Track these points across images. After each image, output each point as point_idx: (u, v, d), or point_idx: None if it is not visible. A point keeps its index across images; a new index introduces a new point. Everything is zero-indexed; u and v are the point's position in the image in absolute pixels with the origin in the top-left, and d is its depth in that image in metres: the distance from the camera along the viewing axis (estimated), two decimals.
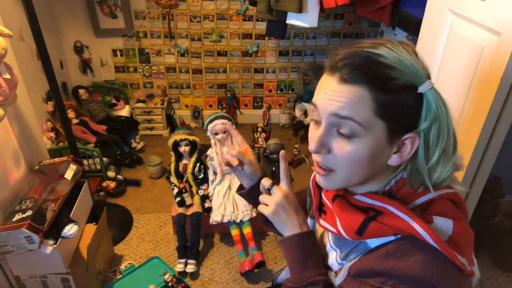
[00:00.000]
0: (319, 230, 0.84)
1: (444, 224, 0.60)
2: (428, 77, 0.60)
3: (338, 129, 0.61)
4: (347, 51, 0.60)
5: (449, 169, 0.62)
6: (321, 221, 0.76)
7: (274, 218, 0.76)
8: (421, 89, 0.58)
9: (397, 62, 0.58)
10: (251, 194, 0.89)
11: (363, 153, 0.60)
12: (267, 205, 0.77)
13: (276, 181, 0.80)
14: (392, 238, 0.62)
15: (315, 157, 0.66)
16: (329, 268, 0.77)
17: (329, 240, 0.78)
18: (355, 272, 0.65)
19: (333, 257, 0.75)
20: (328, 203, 0.73)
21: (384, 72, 0.57)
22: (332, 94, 0.60)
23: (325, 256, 0.79)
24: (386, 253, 0.61)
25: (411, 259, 0.58)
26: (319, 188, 0.78)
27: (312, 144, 0.63)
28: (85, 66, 2.90)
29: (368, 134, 0.59)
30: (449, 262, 0.58)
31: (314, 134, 0.64)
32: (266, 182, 0.79)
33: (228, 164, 0.85)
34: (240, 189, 0.93)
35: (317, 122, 0.65)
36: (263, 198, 0.78)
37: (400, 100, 0.58)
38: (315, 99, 0.64)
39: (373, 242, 0.65)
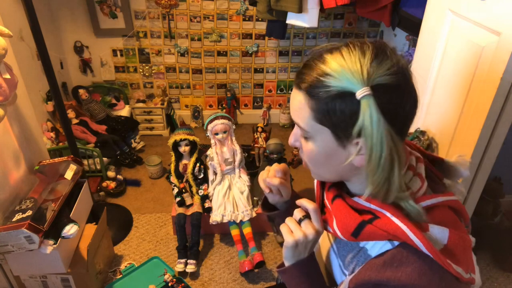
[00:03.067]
0: (322, 237, 0.84)
1: (440, 233, 0.60)
2: (370, 84, 0.55)
3: None
4: (306, 59, 0.64)
5: (380, 188, 0.59)
6: None
7: (291, 249, 0.72)
8: (357, 96, 0.55)
9: (334, 69, 0.57)
10: (273, 218, 0.88)
11: (317, 153, 0.64)
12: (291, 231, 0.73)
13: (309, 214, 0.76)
14: (389, 246, 0.62)
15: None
16: (333, 279, 0.76)
17: (332, 246, 0.78)
18: (355, 285, 0.65)
19: (337, 266, 0.75)
20: (328, 204, 0.73)
21: (318, 79, 0.58)
22: (291, 99, 0.65)
23: (328, 266, 0.79)
24: (384, 263, 0.61)
25: (408, 268, 0.58)
26: (322, 189, 0.79)
27: (289, 139, 0.71)
28: (85, 66, 2.90)
29: (316, 136, 0.63)
30: (446, 271, 0.58)
31: None
32: (299, 213, 0.74)
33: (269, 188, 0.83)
34: (265, 205, 0.91)
35: None
36: (291, 223, 0.73)
37: (334, 107, 0.57)
38: None
39: (372, 251, 0.65)
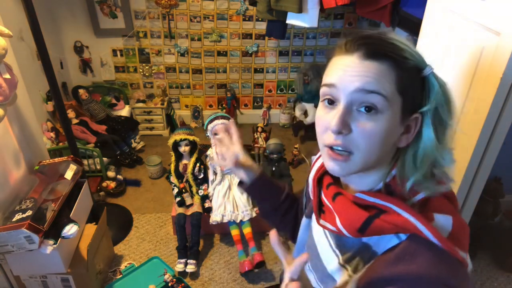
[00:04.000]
0: (317, 234, 0.83)
1: (445, 221, 0.61)
2: None
3: (358, 107, 0.61)
4: (360, 34, 0.64)
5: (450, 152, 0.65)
6: (321, 221, 0.75)
7: None
8: (425, 72, 0.62)
9: (405, 46, 0.63)
10: (251, 191, 0.92)
11: (382, 130, 0.61)
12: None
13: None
14: (396, 240, 0.62)
15: (332, 140, 0.62)
16: (330, 277, 0.76)
17: (330, 243, 0.78)
18: (364, 284, 0.64)
19: (335, 262, 0.75)
20: (327, 202, 0.73)
21: (399, 52, 0.61)
22: (355, 70, 0.60)
23: (325, 262, 0.78)
24: (396, 258, 0.60)
25: (421, 259, 0.58)
26: (319, 187, 0.78)
27: (333, 124, 0.61)
28: (85, 66, 2.90)
29: (389, 109, 0.61)
30: (453, 257, 0.59)
31: (329, 116, 0.63)
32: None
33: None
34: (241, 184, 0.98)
35: (332, 103, 0.64)
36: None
37: (412, 79, 0.62)
38: (330, 79, 0.63)
39: (378, 247, 0.65)
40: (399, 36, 0.64)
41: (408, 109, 0.63)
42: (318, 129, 0.66)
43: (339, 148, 0.62)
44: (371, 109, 0.60)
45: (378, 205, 0.64)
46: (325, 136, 0.64)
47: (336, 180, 0.75)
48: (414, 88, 0.62)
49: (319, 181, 0.78)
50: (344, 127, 0.61)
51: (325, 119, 0.64)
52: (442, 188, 0.64)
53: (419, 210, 0.63)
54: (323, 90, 0.65)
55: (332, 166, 0.65)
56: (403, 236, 0.62)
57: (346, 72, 0.61)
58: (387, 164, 0.67)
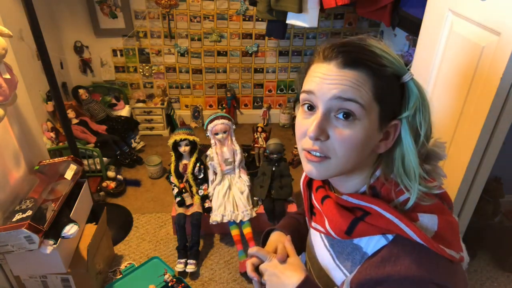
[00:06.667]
0: (313, 233, 0.84)
1: (430, 220, 0.61)
2: None
3: (335, 114, 0.61)
4: (338, 42, 0.63)
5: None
6: (313, 223, 0.76)
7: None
8: (405, 78, 0.62)
9: (384, 53, 0.62)
10: None
11: (359, 137, 0.61)
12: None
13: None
14: (384, 241, 0.63)
15: (310, 145, 0.63)
16: (326, 275, 0.76)
17: (324, 242, 0.79)
18: (356, 285, 0.65)
19: (329, 260, 0.75)
20: (317, 205, 0.74)
21: (378, 60, 0.61)
22: (332, 78, 0.61)
23: (322, 262, 0.79)
24: (382, 260, 0.61)
25: (406, 260, 0.59)
26: (309, 190, 0.79)
27: (310, 131, 0.61)
28: (85, 66, 2.90)
29: (366, 117, 0.61)
30: (440, 256, 0.59)
31: (308, 122, 0.63)
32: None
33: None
34: None
35: (310, 110, 0.64)
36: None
37: (390, 87, 0.61)
38: (309, 86, 0.63)
39: (368, 248, 0.65)
40: (378, 42, 0.63)
41: (387, 116, 0.62)
42: (297, 133, 0.66)
43: (317, 154, 0.63)
44: (349, 115, 0.60)
45: (362, 207, 0.65)
46: (303, 141, 0.64)
47: (325, 183, 0.75)
48: (393, 95, 0.62)
49: (309, 184, 0.79)
50: (321, 134, 0.61)
51: (303, 125, 0.64)
52: (434, 190, 0.63)
53: (404, 211, 0.63)
54: (302, 96, 0.65)
55: (309, 168, 0.65)
56: (390, 237, 0.62)
57: (324, 80, 0.61)
58: (369, 168, 0.67)
